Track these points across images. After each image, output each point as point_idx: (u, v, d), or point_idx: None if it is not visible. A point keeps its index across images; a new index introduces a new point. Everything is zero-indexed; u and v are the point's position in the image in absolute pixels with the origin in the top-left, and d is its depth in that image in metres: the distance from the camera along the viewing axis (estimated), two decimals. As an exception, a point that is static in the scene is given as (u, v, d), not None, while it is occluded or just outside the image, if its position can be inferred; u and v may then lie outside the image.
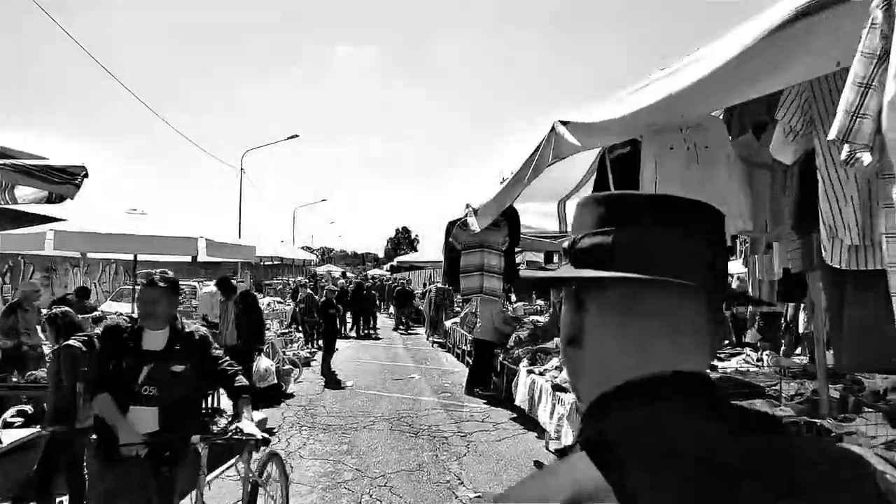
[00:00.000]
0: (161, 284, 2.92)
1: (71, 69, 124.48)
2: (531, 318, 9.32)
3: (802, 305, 8.04)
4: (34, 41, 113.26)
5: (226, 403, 7.83)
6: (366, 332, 18.04)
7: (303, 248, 40.24)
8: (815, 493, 0.54)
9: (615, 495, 0.52)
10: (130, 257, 7.82)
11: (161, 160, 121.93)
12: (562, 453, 4.63)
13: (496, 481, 5.22)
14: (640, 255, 0.63)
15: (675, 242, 0.64)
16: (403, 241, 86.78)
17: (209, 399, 7.28)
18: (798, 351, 7.82)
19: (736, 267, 5.32)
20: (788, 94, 2.24)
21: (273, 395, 8.13)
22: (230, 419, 7.75)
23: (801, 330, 7.90)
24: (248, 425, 2.99)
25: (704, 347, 0.66)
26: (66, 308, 4.39)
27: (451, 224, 5.93)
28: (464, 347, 11.63)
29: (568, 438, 4.62)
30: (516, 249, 6.98)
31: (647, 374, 0.62)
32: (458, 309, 15.10)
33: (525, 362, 6.57)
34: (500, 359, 8.67)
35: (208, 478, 3.19)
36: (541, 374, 5.82)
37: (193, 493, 3.09)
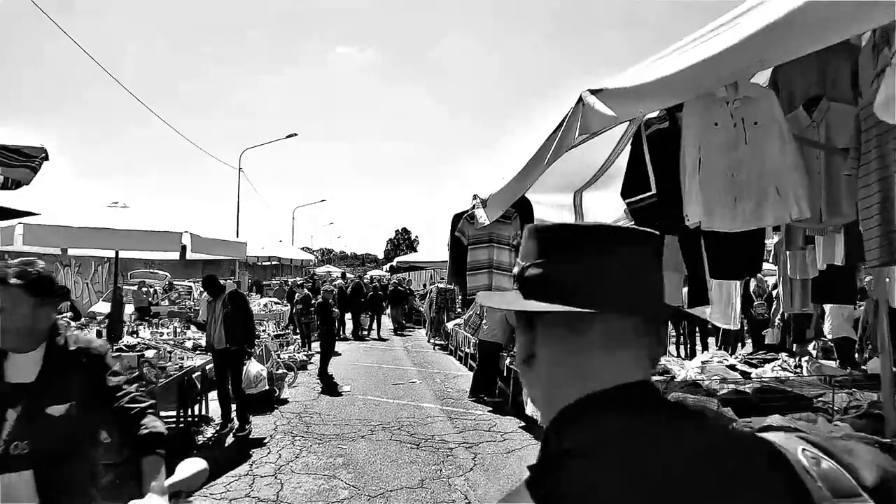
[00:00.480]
0: (14, 282, 1.84)
1: (69, 68, 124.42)
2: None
3: (827, 310, 7.60)
4: (34, 41, 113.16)
5: (213, 409, 7.31)
6: (364, 332, 17.59)
7: (302, 248, 39.94)
8: (737, 492, 0.60)
9: None
10: (112, 254, 7.36)
11: (161, 160, 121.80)
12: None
13: (506, 500, 4.74)
14: (574, 285, 0.69)
15: (607, 270, 0.69)
16: (403, 241, 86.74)
17: (195, 407, 6.77)
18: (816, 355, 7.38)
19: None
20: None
21: (264, 402, 7.70)
22: (219, 426, 7.18)
23: (826, 335, 7.45)
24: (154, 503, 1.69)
25: (644, 360, 0.72)
26: None
27: (458, 217, 5.42)
28: (467, 350, 11.18)
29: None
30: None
31: (600, 388, 0.68)
32: (459, 310, 14.72)
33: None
34: (507, 363, 8.23)
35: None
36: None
37: None
